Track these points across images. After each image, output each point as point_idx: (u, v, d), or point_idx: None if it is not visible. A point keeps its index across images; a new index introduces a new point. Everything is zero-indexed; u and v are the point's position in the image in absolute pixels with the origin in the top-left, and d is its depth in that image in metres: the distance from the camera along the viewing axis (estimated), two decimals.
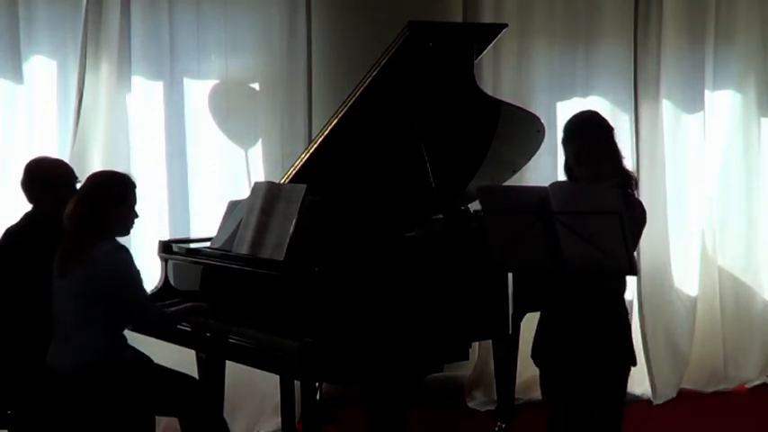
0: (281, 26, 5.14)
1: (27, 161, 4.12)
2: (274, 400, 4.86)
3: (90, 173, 4.41)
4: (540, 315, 3.66)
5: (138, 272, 3.64)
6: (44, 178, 4.00)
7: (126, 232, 3.73)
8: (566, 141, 3.55)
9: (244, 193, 4.48)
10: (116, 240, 3.63)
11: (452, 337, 3.72)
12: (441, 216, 4.29)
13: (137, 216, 3.72)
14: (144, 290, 3.72)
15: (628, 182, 3.53)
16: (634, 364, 3.58)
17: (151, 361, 3.85)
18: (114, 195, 3.64)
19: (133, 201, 3.69)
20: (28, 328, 3.83)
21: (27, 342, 3.83)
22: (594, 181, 3.45)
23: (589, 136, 3.51)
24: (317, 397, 4.53)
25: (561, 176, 5.41)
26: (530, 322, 4.45)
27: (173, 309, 3.84)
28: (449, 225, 4.23)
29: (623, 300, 3.58)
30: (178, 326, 3.88)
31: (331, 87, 5.14)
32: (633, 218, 3.40)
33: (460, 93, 4.18)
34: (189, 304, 3.87)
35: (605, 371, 3.50)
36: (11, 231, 4.03)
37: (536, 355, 3.65)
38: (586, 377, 3.49)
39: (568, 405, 3.57)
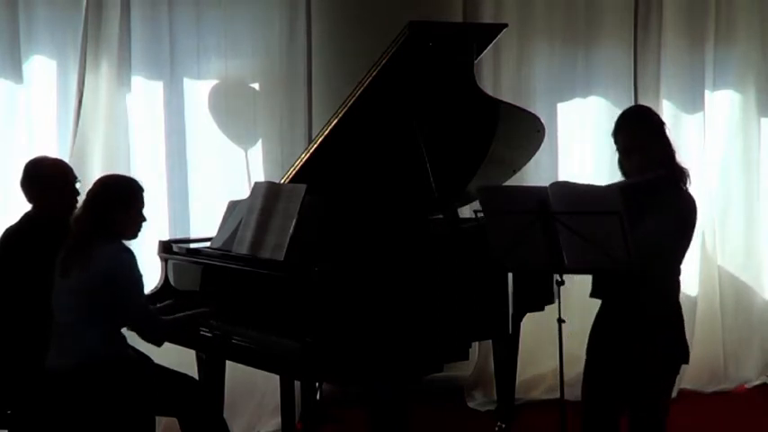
0: (281, 26, 5.14)
1: (26, 161, 4.12)
2: (274, 400, 4.86)
3: (89, 173, 4.44)
4: (599, 308, 3.67)
5: (140, 275, 3.63)
6: (43, 178, 4.00)
7: (133, 236, 3.73)
8: (614, 133, 3.56)
9: (244, 193, 4.48)
10: (121, 242, 3.63)
11: (452, 337, 3.72)
12: (440, 216, 4.29)
13: (144, 220, 3.72)
14: (144, 294, 3.71)
15: (677, 175, 3.52)
16: (686, 361, 3.58)
17: (151, 361, 3.85)
18: (122, 199, 3.64)
19: (141, 205, 3.69)
20: (28, 327, 3.83)
21: (27, 342, 3.82)
22: (639, 171, 3.45)
23: (632, 127, 3.53)
24: (317, 397, 4.54)
25: (560, 174, 5.50)
26: (530, 322, 4.47)
27: (172, 317, 3.82)
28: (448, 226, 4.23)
29: (676, 299, 3.58)
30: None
31: (331, 88, 5.14)
32: (673, 213, 3.41)
33: (460, 93, 4.17)
34: (189, 312, 3.84)
35: (655, 366, 3.50)
36: (10, 231, 4.03)
37: (588, 347, 3.66)
38: (635, 373, 3.50)
39: (608, 400, 3.59)
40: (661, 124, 3.60)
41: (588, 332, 3.73)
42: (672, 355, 3.56)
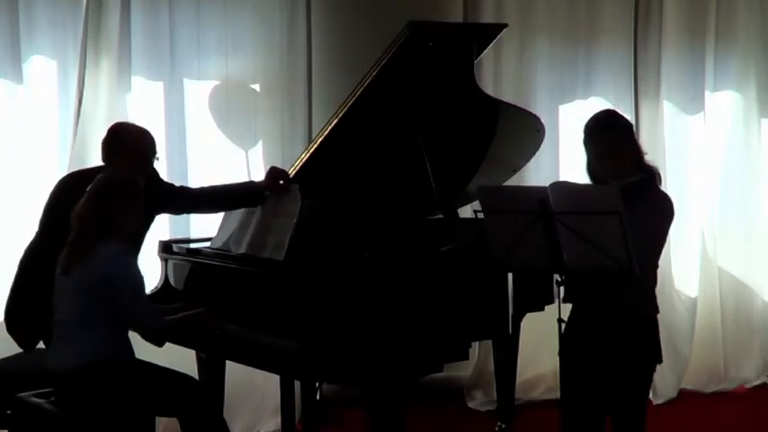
0: (282, 26, 5.14)
1: (113, 123, 4.06)
2: (274, 400, 4.85)
3: None
4: (570, 312, 3.66)
5: (141, 276, 3.62)
6: (127, 145, 3.93)
7: (132, 236, 3.72)
8: (586, 141, 3.55)
9: None
10: (122, 242, 3.62)
11: (452, 337, 3.72)
12: (440, 216, 4.29)
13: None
14: (144, 295, 3.70)
15: (651, 177, 3.53)
16: (660, 360, 3.58)
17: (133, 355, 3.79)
18: (125, 197, 3.63)
19: (143, 204, 3.68)
20: None
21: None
22: (616, 178, 3.45)
23: (606, 133, 3.51)
24: (317, 397, 4.55)
25: (562, 176, 5.50)
26: (530, 322, 4.47)
27: (172, 317, 3.80)
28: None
29: (653, 297, 3.57)
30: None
31: (331, 87, 5.14)
32: (658, 212, 3.41)
33: (460, 93, 4.17)
34: (189, 312, 3.83)
35: (631, 368, 3.49)
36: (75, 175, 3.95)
37: (561, 350, 3.63)
38: (612, 374, 3.49)
39: (588, 403, 3.57)
40: (630, 127, 3.61)
41: None
42: (656, 355, 3.55)
